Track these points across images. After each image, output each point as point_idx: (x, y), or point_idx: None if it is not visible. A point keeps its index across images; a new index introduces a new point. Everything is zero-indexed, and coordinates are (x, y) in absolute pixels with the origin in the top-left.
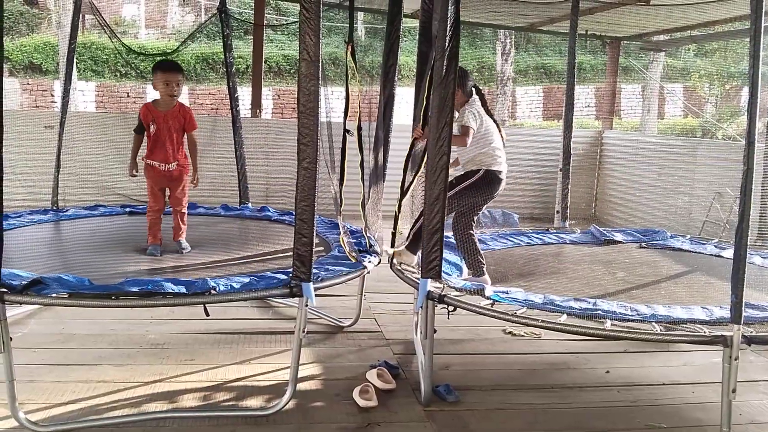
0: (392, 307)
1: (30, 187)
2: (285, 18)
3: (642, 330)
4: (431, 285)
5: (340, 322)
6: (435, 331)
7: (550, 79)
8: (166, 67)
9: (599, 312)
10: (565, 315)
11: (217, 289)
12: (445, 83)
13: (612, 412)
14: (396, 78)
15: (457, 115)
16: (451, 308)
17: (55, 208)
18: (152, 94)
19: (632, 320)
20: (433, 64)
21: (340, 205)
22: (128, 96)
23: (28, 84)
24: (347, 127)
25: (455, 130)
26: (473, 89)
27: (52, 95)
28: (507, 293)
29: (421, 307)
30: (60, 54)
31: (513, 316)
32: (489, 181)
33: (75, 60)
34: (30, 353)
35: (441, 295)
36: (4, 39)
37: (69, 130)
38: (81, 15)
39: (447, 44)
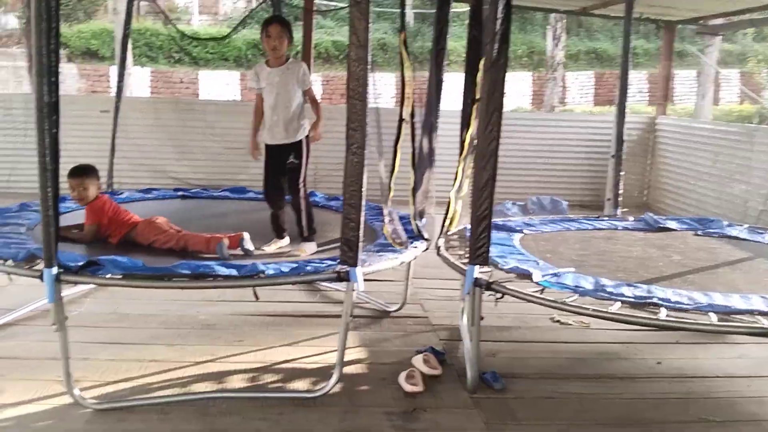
0: (438, 293)
1: None
2: (334, 3)
3: (698, 321)
4: (479, 271)
5: (387, 307)
6: (482, 318)
7: (602, 64)
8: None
9: (653, 300)
10: (618, 303)
11: (266, 272)
12: (496, 67)
13: (664, 403)
14: (445, 63)
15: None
16: (498, 295)
17: (110, 190)
18: (204, 78)
19: (687, 310)
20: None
21: (389, 194)
22: (181, 82)
23: (85, 69)
24: (403, 115)
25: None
26: None
27: (108, 81)
28: (557, 276)
29: (468, 293)
30: (116, 40)
31: (563, 304)
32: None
33: (130, 46)
34: (85, 331)
35: (488, 282)
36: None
37: (124, 115)
38: (136, 1)
39: (498, 27)
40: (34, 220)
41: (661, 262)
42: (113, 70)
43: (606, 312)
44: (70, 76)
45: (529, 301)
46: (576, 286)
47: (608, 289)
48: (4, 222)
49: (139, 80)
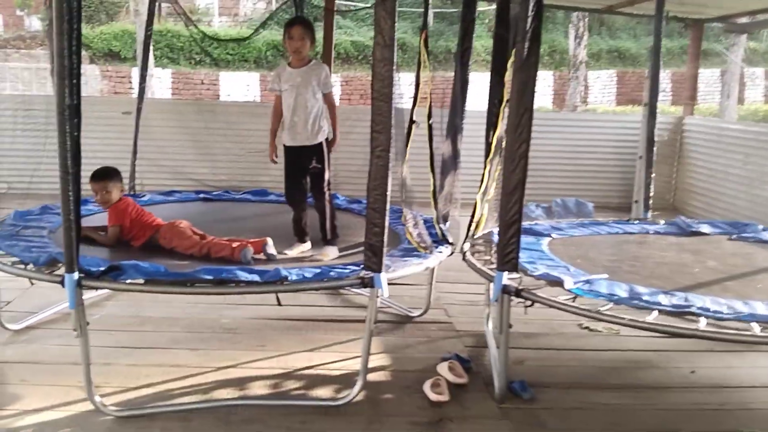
0: (462, 298)
1: None
2: (355, 4)
3: (740, 331)
4: (507, 278)
5: (410, 312)
6: (510, 326)
7: (624, 63)
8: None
9: (692, 309)
10: (655, 312)
11: (290, 278)
12: (526, 67)
13: (699, 415)
14: (470, 63)
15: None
16: (528, 303)
17: (132, 192)
18: (225, 80)
19: (728, 319)
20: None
21: (404, 195)
22: (202, 83)
23: (107, 71)
24: (414, 117)
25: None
26: None
27: (130, 82)
28: (589, 283)
29: (496, 300)
30: (137, 41)
31: (597, 313)
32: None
33: (151, 47)
34: (106, 335)
35: (518, 289)
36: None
37: (145, 116)
38: (158, 3)
39: (529, 25)
40: (56, 223)
41: (697, 268)
42: (135, 72)
43: (644, 322)
44: (92, 77)
45: (562, 309)
46: (610, 294)
47: (644, 298)
48: (25, 225)
49: (161, 81)
